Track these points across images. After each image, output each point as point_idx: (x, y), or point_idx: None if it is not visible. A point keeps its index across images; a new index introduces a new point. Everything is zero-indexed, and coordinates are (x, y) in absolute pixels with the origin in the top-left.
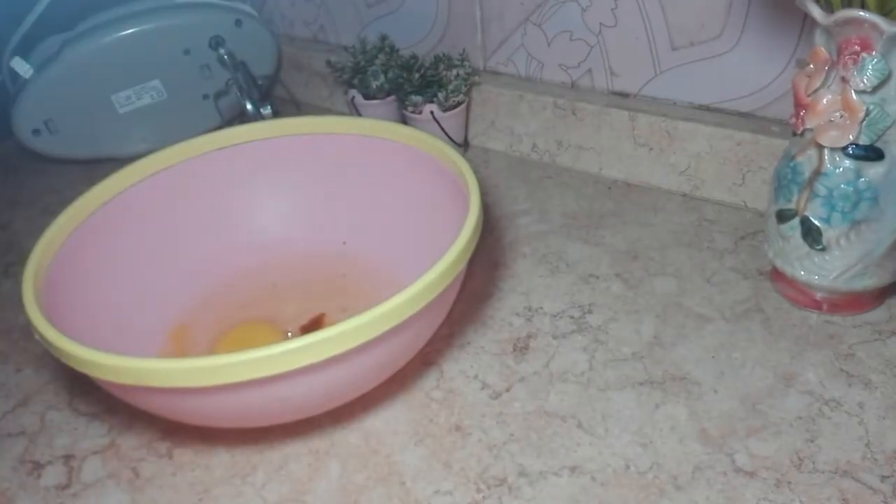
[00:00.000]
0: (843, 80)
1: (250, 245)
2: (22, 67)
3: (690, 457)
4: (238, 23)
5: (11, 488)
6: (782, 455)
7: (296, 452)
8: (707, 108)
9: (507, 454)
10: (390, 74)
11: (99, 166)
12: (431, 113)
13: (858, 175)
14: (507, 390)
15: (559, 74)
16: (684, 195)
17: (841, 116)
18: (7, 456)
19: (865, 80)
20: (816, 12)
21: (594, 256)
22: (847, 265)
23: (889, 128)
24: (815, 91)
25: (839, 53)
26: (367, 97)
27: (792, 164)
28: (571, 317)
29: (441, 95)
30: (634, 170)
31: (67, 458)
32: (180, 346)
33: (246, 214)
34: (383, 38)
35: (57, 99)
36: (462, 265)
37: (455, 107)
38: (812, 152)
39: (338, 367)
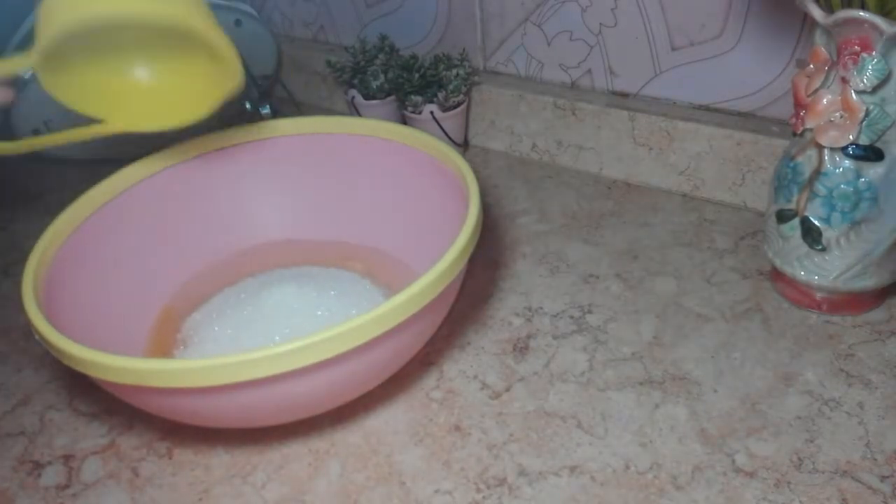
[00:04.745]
0: (843, 80)
1: (250, 245)
2: None
3: (690, 457)
4: (238, 22)
5: (11, 488)
6: (782, 455)
7: (296, 452)
8: (707, 108)
9: (506, 454)
10: (390, 74)
11: (99, 166)
12: (431, 113)
13: (858, 175)
14: (507, 390)
15: (559, 74)
16: (684, 195)
17: (841, 116)
18: (7, 456)
19: (865, 80)
20: (816, 12)
21: (594, 256)
22: (847, 265)
23: (889, 128)
24: (815, 91)
25: (839, 53)
26: (367, 97)
27: (792, 164)
28: (571, 317)
29: (441, 95)
30: (634, 170)
31: (67, 458)
32: None
33: (246, 214)
34: (383, 38)
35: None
36: (462, 265)
37: (455, 107)
38: (812, 152)
39: (338, 367)
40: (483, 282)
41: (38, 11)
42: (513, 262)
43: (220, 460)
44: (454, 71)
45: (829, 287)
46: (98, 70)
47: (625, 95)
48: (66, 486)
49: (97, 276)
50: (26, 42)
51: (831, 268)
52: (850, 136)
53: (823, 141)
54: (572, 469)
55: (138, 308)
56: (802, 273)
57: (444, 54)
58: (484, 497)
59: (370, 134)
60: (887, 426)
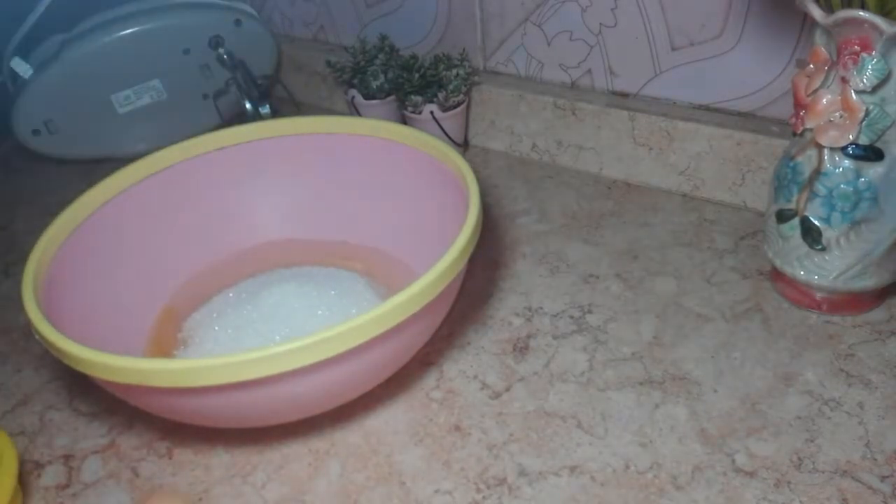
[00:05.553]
0: (843, 80)
1: (250, 244)
2: (22, 67)
3: (690, 457)
4: (237, 22)
5: None
6: (782, 455)
7: (296, 452)
8: (707, 108)
9: (506, 454)
10: (390, 74)
11: (99, 166)
12: (431, 113)
13: (858, 175)
14: (507, 390)
15: (559, 74)
16: (684, 195)
17: (841, 116)
18: None
19: (865, 80)
20: (816, 12)
21: (594, 256)
22: (847, 265)
23: (889, 128)
24: (815, 91)
25: (839, 53)
26: (367, 97)
27: (792, 164)
28: (571, 317)
29: (441, 95)
30: (634, 170)
31: (67, 458)
32: None
33: (246, 214)
34: (383, 38)
35: (57, 99)
36: (462, 265)
37: (455, 107)
38: (812, 152)
39: (338, 367)
40: (483, 282)
41: None
42: (513, 262)
43: (220, 460)
44: (454, 71)
45: (829, 287)
46: None
47: (625, 95)
48: (66, 486)
49: (97, 276)
50: (26, 42)
51: (831, 268)
52: (850, 136)
53: (823, 141)
54: (572, 469)
55: (138, 308)
56: (802, 273)
57: (444, 54)
58: (484, 497)
59: (370, 134)
60: (887, 426)
